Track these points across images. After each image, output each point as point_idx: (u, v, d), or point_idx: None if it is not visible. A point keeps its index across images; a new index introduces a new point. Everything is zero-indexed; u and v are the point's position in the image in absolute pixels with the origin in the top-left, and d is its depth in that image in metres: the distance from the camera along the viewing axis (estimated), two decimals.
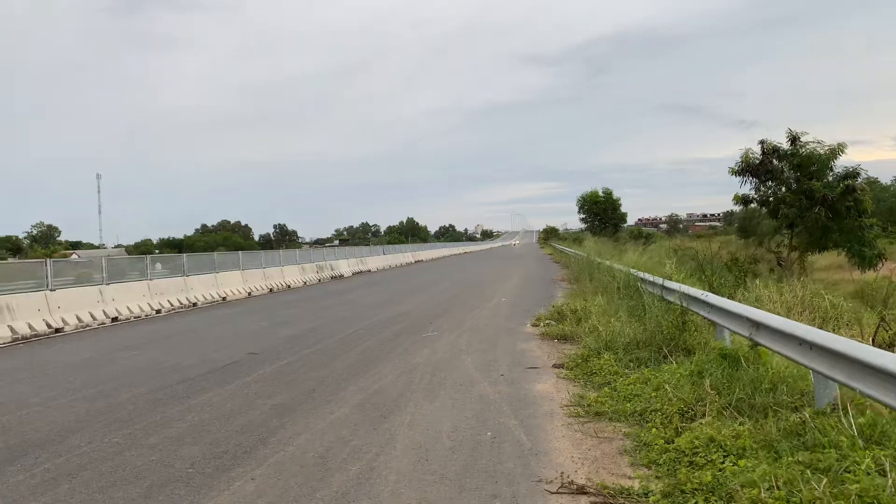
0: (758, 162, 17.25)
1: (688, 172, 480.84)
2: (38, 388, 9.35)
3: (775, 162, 17.04)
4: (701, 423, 5.77)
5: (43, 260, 16.93)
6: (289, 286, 28.81)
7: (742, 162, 17.42)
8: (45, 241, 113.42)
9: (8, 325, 14.27)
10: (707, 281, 12.78)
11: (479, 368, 9.53)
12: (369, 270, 41.60)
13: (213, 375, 9.61)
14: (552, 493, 4.84)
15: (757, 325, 6.83)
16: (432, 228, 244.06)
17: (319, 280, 32.59)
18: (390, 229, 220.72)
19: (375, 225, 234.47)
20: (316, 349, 11.69)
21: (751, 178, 17.58)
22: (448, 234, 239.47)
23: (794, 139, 16.95)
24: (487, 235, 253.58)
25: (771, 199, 17.47)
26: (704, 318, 9.12)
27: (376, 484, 5.11)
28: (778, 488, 4.21)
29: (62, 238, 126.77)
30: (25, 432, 6.99)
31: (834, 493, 3.97)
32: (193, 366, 10.42)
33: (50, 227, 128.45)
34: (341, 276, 35.66)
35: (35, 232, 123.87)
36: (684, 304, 9.52)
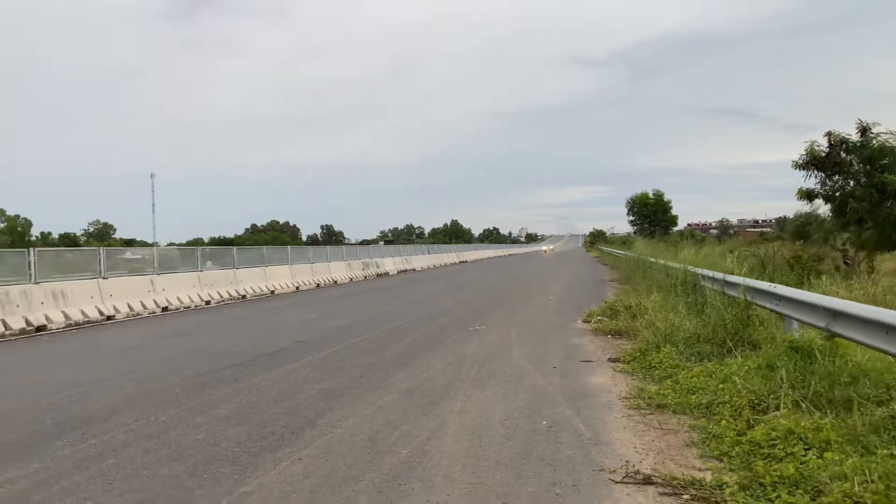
0: (824, 154, 16.43)
1: (738, 177, 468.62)
2: (89, 370, 9.40)
3: (843, 155, 16.22)
4: (776, 416, 5.37)
5: (97, 248, 17.21)
6: (335, 282, 28.89)
7: (807, 154, 16.60)
8: (101, 238, 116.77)
9: (62, 311, 14.49)
10: (769, 277, 12.18)
11: (530, 361, 9.21)
12: (414, 269, 41.53)
13: (261, 361, 9.51)
14: (616, 482, 4.51)
15: (834, 315, 6.35)
16: (476, 231, 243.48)
17: (365, 277, 32.62)
18: (434, 231, 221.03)
19: (420, 227, 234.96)
20: (363, 339, 11.53)
21: (816, 172, 16.78)
22: (492, 237, 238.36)
23: (864, 130, 16.09)
24: (532, 239, 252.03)
25: (837, 193, 16.65)
26: (772, 311, 8.63)
27: (428, 468, 4.85)
28: (872, 482, 3.82)
29: (117, 235, 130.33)
30: (74, 410, 6.96)
31: None
32: (241, 352, 10.36)
33: (106, 224, 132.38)
34: (386, 274, 35.66)
35: (91, 229, 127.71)
36: (748, 298, 9.05)
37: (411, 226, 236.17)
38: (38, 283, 14.49)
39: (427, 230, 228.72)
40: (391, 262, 38.63)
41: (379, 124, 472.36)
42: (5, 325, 13.23)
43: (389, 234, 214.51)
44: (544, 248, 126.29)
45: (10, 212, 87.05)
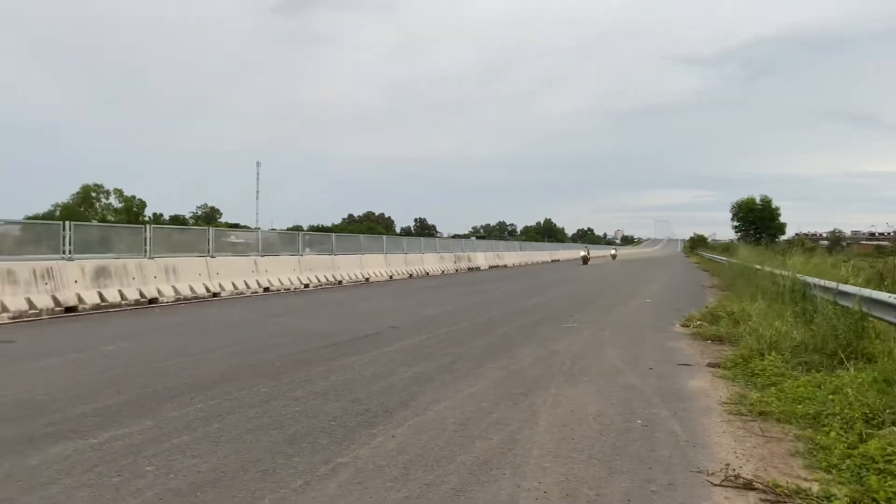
0: None
1: (854, 186, 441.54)
2: (196, 341, 9.93)
3: None
4: (892, 431, 5.03)
5: (206, 228, 18.12)
6: (427, 273, 29.24)
7: None
8: (208, 221, 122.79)
9: (172, 286, 15.37)
10: (887, 290, 11.41)
11: (624, 361, 9.01)
12: (505, 265, 41.49)
13: (356, 343, 9.76)
14: (715, 485, 4.35)
15: None
16: (570, 231, 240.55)
17: (456, 270, 32.85)
18: (527, 229, 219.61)
19: (512, 224, 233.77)
20: (454, 329, 11.62)
21: None
22: (586, 237, 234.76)
23: None
24: (628, 241, 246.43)
25: None
26: (891, 323, 8.09)
27: (519, 455, 4.84)
28: None
29: (222, 219, 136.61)
30: (183, 377, 7.37)
31: None
32: (337, 333, 10.68)
33: (213, 208, 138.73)
34: (478, 268, 35.78)
35: (199, 212, 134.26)
36: (864, 309, 8.51)
37: (503, 222, 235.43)
38: (152, 258, 15.42)
39: (519, 228, 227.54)
40: (483, 257, 38.73)
41: (476, 119, 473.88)
42: (122, 295, 14.15)
43: (481, 230, 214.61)
44: (582, 253, 58.73)
45: (128, 192, 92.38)
